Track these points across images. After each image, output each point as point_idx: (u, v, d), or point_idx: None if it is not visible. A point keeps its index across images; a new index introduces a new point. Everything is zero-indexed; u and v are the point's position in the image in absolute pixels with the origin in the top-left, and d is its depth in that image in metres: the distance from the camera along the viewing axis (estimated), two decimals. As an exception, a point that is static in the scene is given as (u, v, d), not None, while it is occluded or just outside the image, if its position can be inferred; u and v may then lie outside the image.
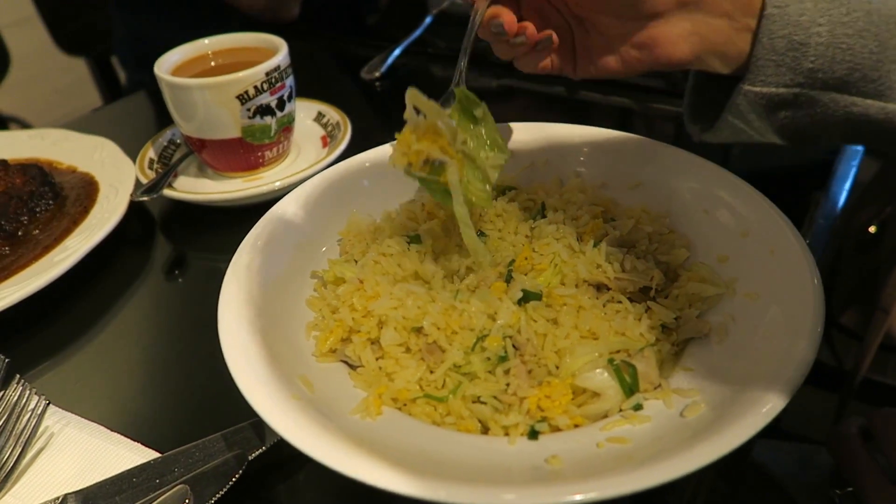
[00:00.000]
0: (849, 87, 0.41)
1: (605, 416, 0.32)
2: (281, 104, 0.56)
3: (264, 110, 0.55)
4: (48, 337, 0.46)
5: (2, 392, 0.39)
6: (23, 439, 0.36)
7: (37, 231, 0.53)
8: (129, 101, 0.90)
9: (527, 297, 0.36)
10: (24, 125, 1.40)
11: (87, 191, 0.57)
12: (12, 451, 0.36)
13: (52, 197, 0.55)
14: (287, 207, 0.43)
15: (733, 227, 0.40)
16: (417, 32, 0.85)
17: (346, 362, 0.37)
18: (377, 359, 0.35)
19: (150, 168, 0.59)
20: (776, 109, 0.42)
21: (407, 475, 0.27)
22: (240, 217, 0.56)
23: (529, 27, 0.41)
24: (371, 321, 0.36)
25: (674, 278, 0.39)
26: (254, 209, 0.56)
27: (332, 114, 0.65)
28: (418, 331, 0.35)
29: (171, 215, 0.58)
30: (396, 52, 0.80)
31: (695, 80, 0.44)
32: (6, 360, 0.40)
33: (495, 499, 0.25)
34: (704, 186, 0.42)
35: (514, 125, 0.50)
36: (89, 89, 1.64)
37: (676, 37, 0.40)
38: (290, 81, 0.57)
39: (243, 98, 0.54)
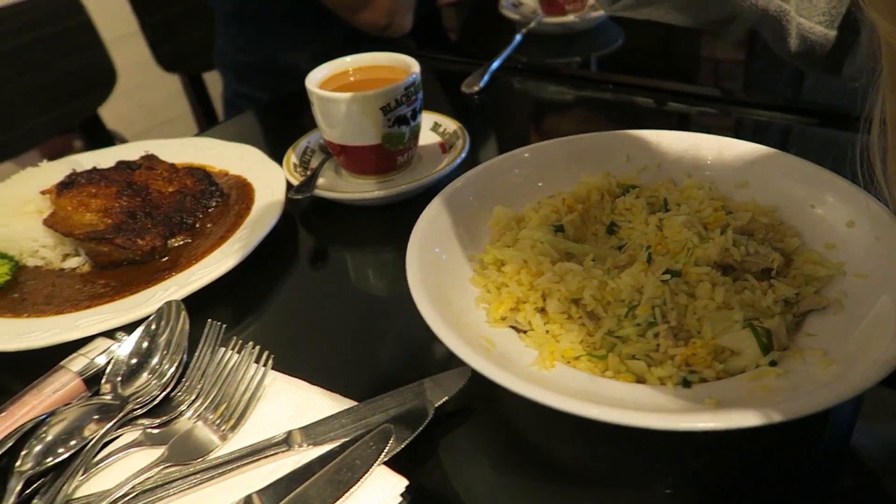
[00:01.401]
0: None
1: (743, 372, 0.39)
2: (414, 115, 0.64)
3: (401, 120, 0.63)
4: (233, 311, 0.54)
5: (223, 350, 0.47)
6: (251, 387, 0.44)
7: (210, 224, 0.62)
8: (244, 117, 0.99)
9: (668, 274, 0.42)
10: (121, 140, 1.51)
11: (243, 191, 0.66)
12: (243, 396, 0.44)
13: (219, 195, 0.64)
14: (441, 203, 0.51)
15: (838, 219, 0.46)
16: (509, 50, 0.92)
17: (514, 328, 0.44)
18: (544, 324, 0.42)
19: (295, 171, 0.68)
20: None
21: (584, 404, 0.33)
22: (371, 212, 0.65)
23: None
24: (536, 293, 0.43)
25: (788, 263, 0.45)
26: (387, 207, 0.64)
27: (448, 123, 0.72)
28: (576, 302, 0.43)
29: (310, 211, 0.66)
30: (494, 66, 0.88)
31: None
32: (222, 326, 0.48)
33: (693, 421, 0.32)
34: (808, 184, 0.49)
35: (625, 133, 0.57)
36: (174, 103, 1.76)
37: None
38: (420, 95, 0.65)
39: (386, 109, 0.62)
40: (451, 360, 0.43)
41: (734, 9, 0.53)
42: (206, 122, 1.52)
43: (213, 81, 1.50)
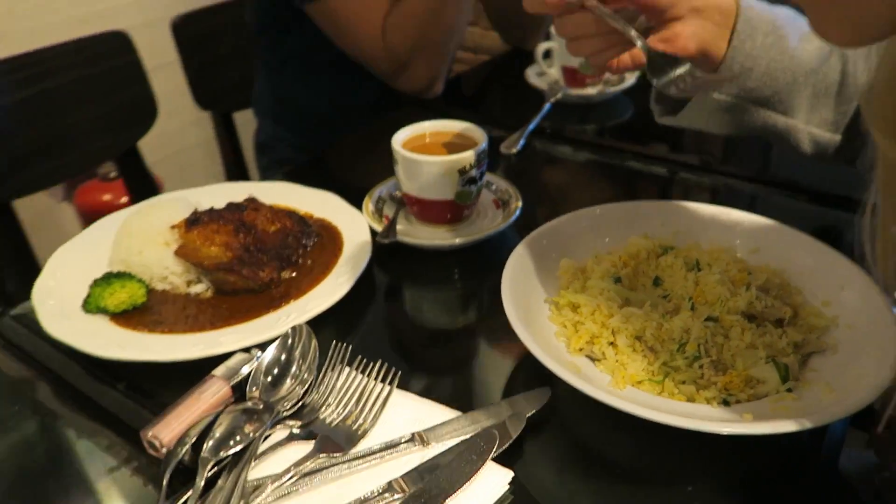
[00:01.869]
0: (769, 104, 0.66)
1: (767, 396, 0.52)
2: (481, 176, 0.77)
3: (471, 181, 0.76)
4: (336, 334, 0.66)
5: (348, 368, 0.58)
6: (381, 397, 0.55)
7: (310, 261, 0.73)
8: (302, 167, 1.10)
9: (709, 320, 0.55)
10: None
11: (332, 233, 0.77)
12: (374, 405, 0.55)
13: (315, 236, 0.75)
14: (522, 251, 0.63)
15: (832, 283, 0.60)
16: (539, 117, 1.06)
17: (588, 357, 0.56)
18: (615, 354, 0.55)
19: (373, 217, 0.80)
20: (722, 110, 0.67)
21: (655, 412, 0.46)
22: (438, 256, 0.77)
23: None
24: (607, 330, 0.56)
25: (795, 315, 0.59)
26: (452, 252, 0.76)
27: (500, 182, 0.85)
28: (639, 338, 0.55)
29: (384, 252, 0.78)
30: (529, 129, 1.02)
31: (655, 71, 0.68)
32: (349, 346, 0.60)
33: (738, 427, 0.45)
34: (809, 253, 0.63)
35: (658, 202, 0.71)
36: (198, 134, 1.85)
37: (689, 34, 0.61)
38: (486, 160, 0.78)
39: (462, 171, 0.74)
40: (531, 382, 0.55)
41: (750, 127, 0.68)
42: (234, 159, 1.62)
43: (242, 119, 1.61)
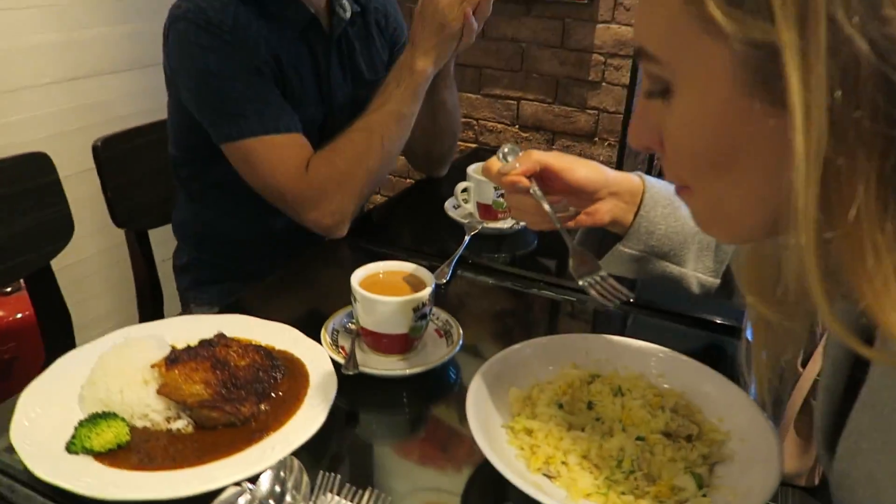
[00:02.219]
0: (666, 257, 0.86)
1: (688, 500, 0.65)
2: (430, 311, 0.88)
3: (423, 316, 0.87)
4: (313, 460, 0.72)
5: (340, 499, 0.65)
6: (374, 521, 0.63)
7: (280, 393, 0.80)
8: (249, 294, 1.17)
9: (638, 439, 0.69)
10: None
11: (296, 363, 0.85)
12: (368, 528, 0.62)
13: (283, 369, 0.82)
14: (478, 382, 0.74)
15: (723, 402, 0.76)
16: (462, 248, 1.21)
17: (545, 475, 0.67)
18: (568, 471, 0.66)
19: (330, 348, 0.88)
20: (630, 261, 0.85)
21: None
22: (391, 382, 0.86)
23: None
24: (560, 451, 0.67)
25: (699, 431, 0.73)
26: (404, 379, 0.86)
27: (440, 313, 0.97)
28: (585, 457, 0.67)
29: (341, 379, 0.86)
30: (455, 260, 1.16)
31: (583, 235, 0.88)
32: (337, 476, 0.67)
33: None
34: (703, 378, 0.79)
35: (582, 335, 0.85)
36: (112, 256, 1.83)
37: (606, 210, 0.83)
38: (434, 298, 0.89)
39: (415, 309, 0.85)
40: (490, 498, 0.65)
41: (653, 274, 0.86)
42: (148, 276, 1.62)
43: (157, 237, 1.64)
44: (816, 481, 0.75)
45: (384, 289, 0.88)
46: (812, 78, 0.35)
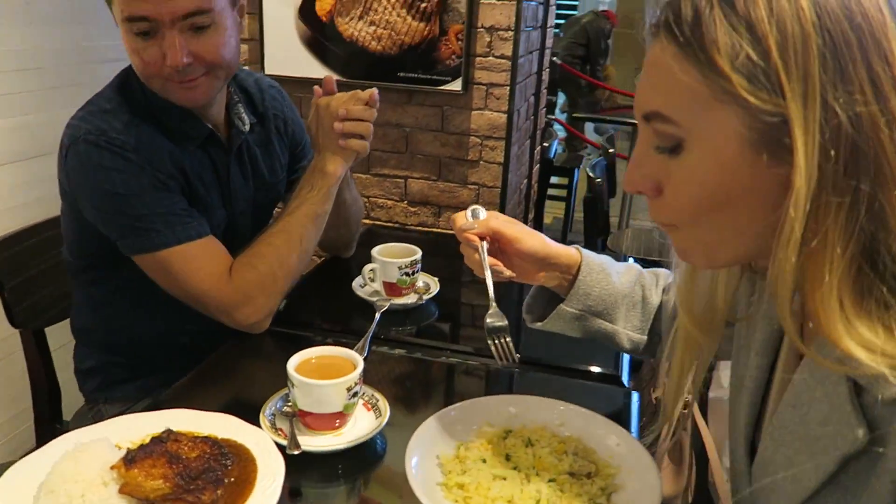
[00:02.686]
0: (602, 316, 1.01)
1: (594, 527, 0.80)
2: (360, 390, 0.99)
3: (355, 394, 0.98)
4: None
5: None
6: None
7: (233, 479, 0.87)
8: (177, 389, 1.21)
9: (551, 481, 0.83)
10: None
11: (241, 449, 0.92)
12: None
13: (231, 457, 0.90)
14: (413, 447, 0.86)
15: (612, 441, 0.92)
16: (374, 325, 1.33)
17: (479, 521, 0.80)
18: (497, 516, 0.79)
19: (270, 430, 0.96)
20: (571, 319, 1.00)
21: None
22: (328, 456, 0.95)
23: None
24: (489, 500, 0.80)
25: (596, 467, 0.89)
26: (340, 453, 0.96)
27: (365, 388, 1.08)
28: (511, 502, 0.81)
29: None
30: (370, 337, 1.27)
31: (535, 291, 1.04)
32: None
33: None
34: (593, 423, 0.95)
35: (497, 397, 1.00)
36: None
37: (545, 277, 0.99)
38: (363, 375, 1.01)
39: (349, 388, 0.96)
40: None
41: (591, 331, 1.02)
42: (46, 376, 1.59)
43: (54, 336, 1.62)
44: (690, 500, 0.92)
45: (318, 372, 0.98)
46: (810, 139, 0.49)
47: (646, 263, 2.47)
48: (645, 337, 1.05)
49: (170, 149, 1.22)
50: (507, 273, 0.98)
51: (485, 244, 0.96)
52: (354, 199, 1.54)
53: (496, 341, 0.97)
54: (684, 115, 0.56)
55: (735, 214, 0.57)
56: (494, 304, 0.98)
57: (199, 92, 1.19)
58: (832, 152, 0.49)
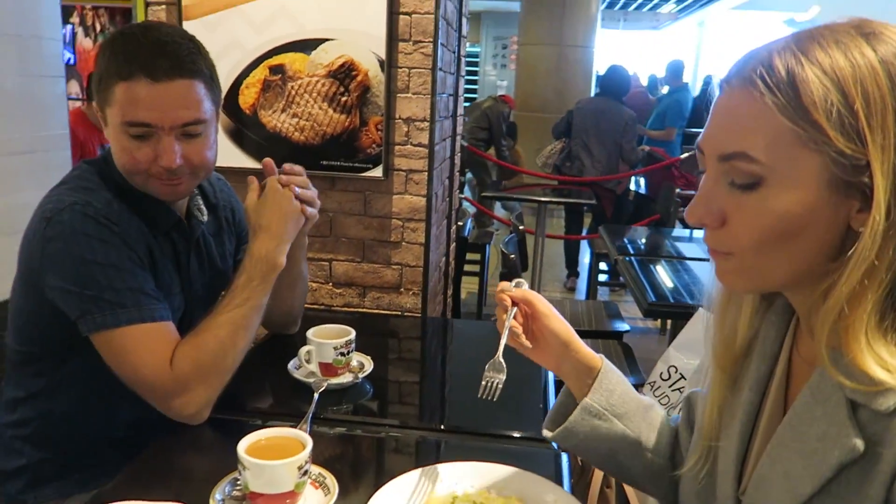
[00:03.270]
0: (624, 419, 0.95)
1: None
2: (309, 468, 1.03)
3: (305, 472, 1.02)
4: None
5: None
6: None
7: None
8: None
9: (498, 539, 0.90)
10: None
11: (195, 537, 0.93)
12: None
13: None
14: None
15: (551, 500, 1.00)
16: (314, 406, 1.36)
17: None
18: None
19: (224, 516, 0.98)
20: (591, 417, 0.94)
21: None
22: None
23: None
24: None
25: (537, 524, 0.97)
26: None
27: (311, 467, 1.11)
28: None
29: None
30: (310, 417, 1.30)
31: (558, 404, 1.01)
32: None
33: None
34: (532, 483, 1.03)
35: (443, 465, 1.06)
36: None
37: (563, 367, 0.99)
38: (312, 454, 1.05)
39: (300, 467, 1.00)
40: None
41: (609, 436, 0.95)
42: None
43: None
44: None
45: (268, 453, 1.01)
46: (887, 181, 0.60)
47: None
48: (663, 462, 0.97)
49: (143, 231, 1.29)
50: (524, 339, 0.99)
51: (514, 309, 1.00)
52: (306, 273, 1.61)
53: (489, 381, 1.01)
54: (769, 156, 0.64)
55: (795, 244, 0.65)
56: (500, 355, 1.00)
57: (180, 189, 1.29)
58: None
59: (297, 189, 1.38)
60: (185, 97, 1.20)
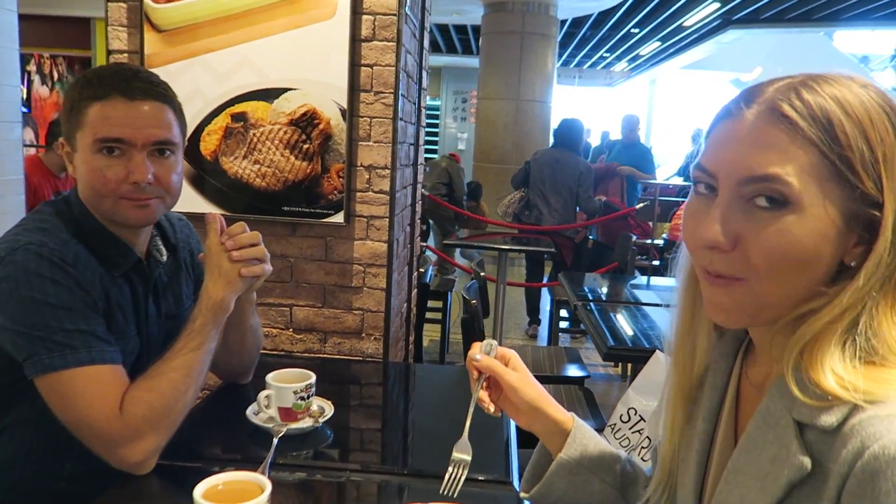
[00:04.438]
0: (598, 472, 0.95)
1: None
2: (268, 511, 1.01)
3: (263, 517, 1.00)
4: None
5: None
6: None
7: None
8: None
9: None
10: None
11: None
12: None
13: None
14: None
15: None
16: (272, 452, 1.34)
17: None
18: None
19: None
20: (568, 472, 0.94)
21: None
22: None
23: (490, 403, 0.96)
24: None
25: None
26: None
27: (271, 513, 1.09)
28: None
29: None
30: (268, 464, 1.28)
31: (533, 462, 1.00)
32: None
33: None
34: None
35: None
36: None
37: (536, 425, 0.97)
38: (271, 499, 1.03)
39: (257, 511, 0.98)
40: None
41: (588, 491, 0.96)
42: None
43: None
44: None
45: (225, 499, 0.99)
46: (888, 231, 0.65)
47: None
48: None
49: (100, 273, 1.26)
50: (491, 409, 0.97)
51: (482, 378, 0.97)
52: (257, 326, 1.59)
53: (453, 472, 0.97)
54: (800, 182, 0.66)
55: (803, 273, 0.67)
56: (466, 435, 0.98)
57: (149, 211, 1.28)
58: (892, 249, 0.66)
59: (236, 254, 1.33)
60: (157, 117, 1.23)
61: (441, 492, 0.96)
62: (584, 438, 0.96)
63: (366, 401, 1.95)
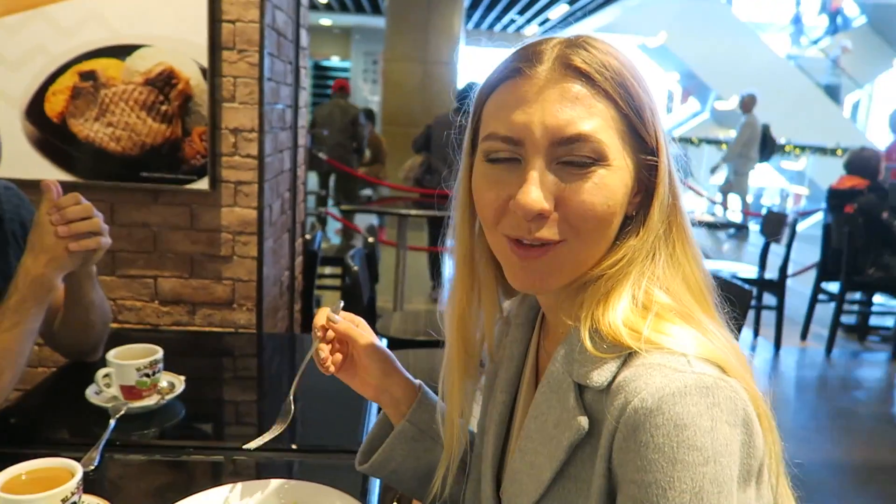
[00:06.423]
0: (437, 439, 0.90)
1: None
2: (78, 499, 0.95)
3: (72, 504, 0.94)
4: None
5: None
6: None
7: None
8: None
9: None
10: None
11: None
12: None
13: None
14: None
15: (340, 509, 0.99)
16: (108, 432, 1.27)
17: None
18: None
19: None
20: (411, 439, 0.92)
21: None
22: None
23: (331, 363, 0.91)
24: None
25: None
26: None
27: (90, 499, 1.03)
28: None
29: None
30: (102, 445, 1.21)
31: (371, 435, 0.98)
32: None
33: None
34: (326, 496, 1.01)
35: (257, 481, 1.02)
36: None
37: (381, 395, 0.95)
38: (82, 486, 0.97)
39: (64, 500, 0.92)
40: None
41: (426, 460, 0.94)
42: None
43: None
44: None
45: (32, 487, 0.93)
46: (665, 177, 0.70)
47: (418, 344, 2.62)
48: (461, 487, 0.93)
49: None
50: (331, 370, 0.93)
51: (317, 342, 0.92)
52: (102, 301, 1.48)
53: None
54: (606, 138, 0.68)
55: (611, 226, 0.70)
56: (290, 396, 0.97)
57: None
58: (669, 193, 0.71)
59: (62, 228, 1.23)
60: None
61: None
62: (430, 406, 0.95)
63: (239, 373, 1.88)
